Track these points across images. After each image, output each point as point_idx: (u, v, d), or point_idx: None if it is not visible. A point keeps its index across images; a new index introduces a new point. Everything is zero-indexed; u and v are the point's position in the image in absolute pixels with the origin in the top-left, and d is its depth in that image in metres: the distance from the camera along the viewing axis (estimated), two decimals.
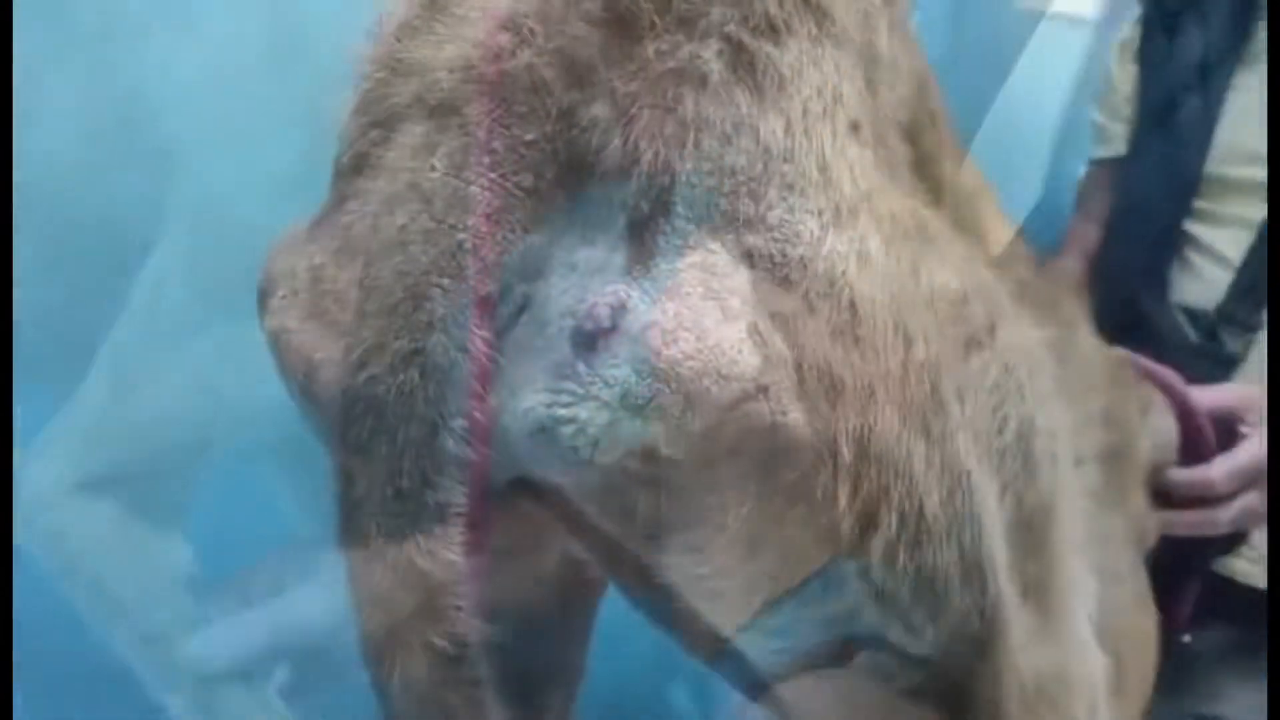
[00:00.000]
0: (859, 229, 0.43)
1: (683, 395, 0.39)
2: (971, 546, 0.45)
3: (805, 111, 0.43)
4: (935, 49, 0.66)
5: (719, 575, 0.43)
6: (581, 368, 0.40)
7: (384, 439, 0.41)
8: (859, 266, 0.42)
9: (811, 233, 0.42)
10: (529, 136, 0.42)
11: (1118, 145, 1.11)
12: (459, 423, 0.42)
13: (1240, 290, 1.02)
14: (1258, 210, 1.01)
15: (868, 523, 0.42)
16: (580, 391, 0.40)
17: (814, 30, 0.44)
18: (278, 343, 0.48)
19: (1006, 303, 0.50)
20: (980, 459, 0.46)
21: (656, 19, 0.42)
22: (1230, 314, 1.02)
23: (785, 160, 0.42)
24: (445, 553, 0.42)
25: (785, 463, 0.40)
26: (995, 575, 0.47)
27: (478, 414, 0.42)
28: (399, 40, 0.48)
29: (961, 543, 0.45)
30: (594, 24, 0.43)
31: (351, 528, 0.42)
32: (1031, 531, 0.51)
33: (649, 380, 0.39)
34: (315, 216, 0.50)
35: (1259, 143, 1.01)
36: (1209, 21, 1.03)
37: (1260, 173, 1.00)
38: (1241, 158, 1.02)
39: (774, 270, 0.41)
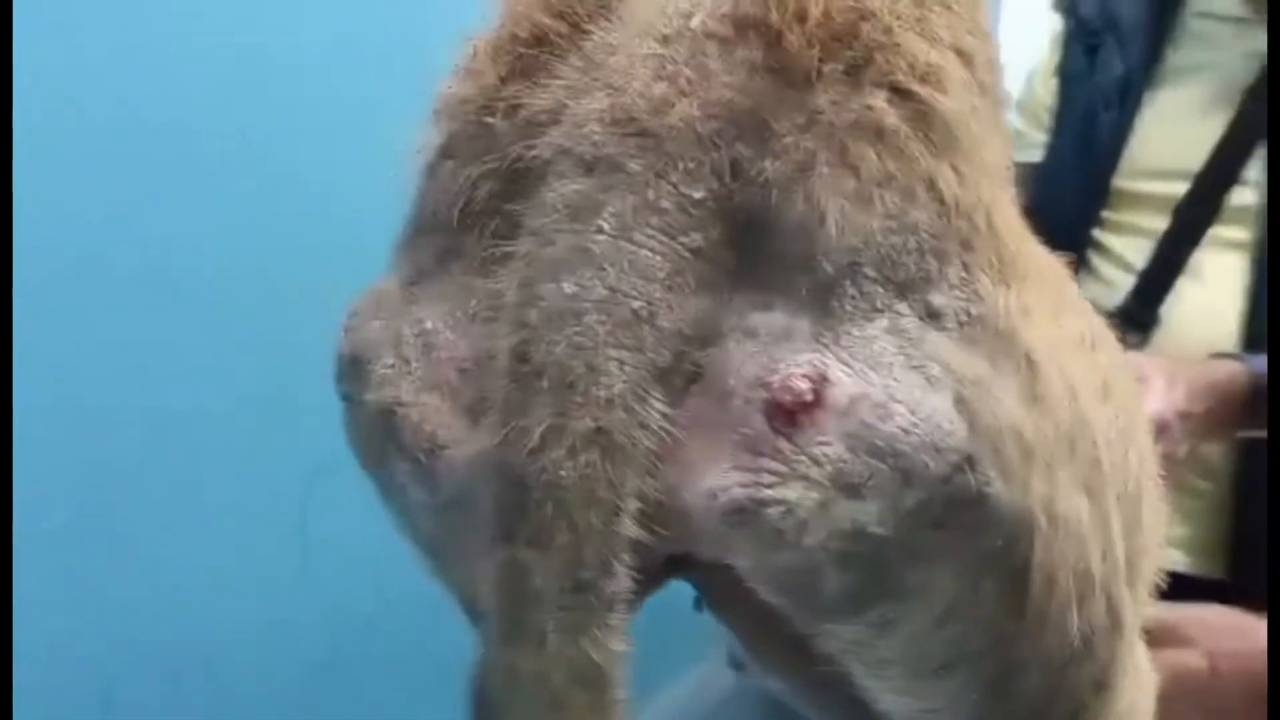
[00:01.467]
0: (1019, 280, 0.42)
1: (901, 472, 0.37)
2: (1115, 596, 0.45)
3: (969, 160, 0.41)
4: None
5: (901, 646, 0.41)
6: (784, 445, 0.38)
7: (564, 527, 0.37)
8: (1025, 320, 0.41)
9: (987, 289, 0.41)
10: (697, 194, 0.39)
11: (1034, 152, 1.15)
12: (634, 504, 0.38)
13: (1139, 293, 1.08)
14: (1160, 221, 1.07)
15: (1050, 589, 0.41)
16: (785, 470, 0.37)
17: (965, 76, 0.42)
18: (388, 418, 0.43)
19: (1111, 339, 0.50)
20: (1116, 509, 0.46)
21: (823, 67, 0.40)
22: (1130, 314, 1.08)
23: (960, 214, 0.40)
24: (615, 643, 0.39)
25: (988, 533, 0.39)
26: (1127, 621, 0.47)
27: (660, 495, 0.39)
28: (504, 83, 0.44)
29: (1109, 594, 0.45)
30: (756, 73, 0.40)
31: (524, 626, 0.38)
32: (1131, 569, 0.51)
33: (865, 457, 0.37)
34: (406, 274, 0.46)
35: (1165, 159, 1.07)
36: (1126, 44, 1.08)
37: (1164, 187, 1.06)
38: (1148, 173, 1.08)
39: (960, 330, 0.40)
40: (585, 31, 0.43)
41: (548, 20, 0.44)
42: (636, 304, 0.38)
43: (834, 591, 0.40)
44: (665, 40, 0.41)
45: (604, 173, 0.39)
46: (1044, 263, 0.48)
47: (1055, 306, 0.45)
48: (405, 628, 1.17)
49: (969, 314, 0.40)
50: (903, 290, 0.39)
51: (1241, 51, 1.03)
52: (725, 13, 0.41)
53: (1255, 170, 1.01)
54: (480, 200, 0.43)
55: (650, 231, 0.38)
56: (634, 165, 0.39)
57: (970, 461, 0.38)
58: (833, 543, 0.38)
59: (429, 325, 0.43)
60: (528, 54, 0.44)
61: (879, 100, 0.40)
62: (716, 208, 0.39)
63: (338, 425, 0.47)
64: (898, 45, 0.41)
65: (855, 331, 0.39)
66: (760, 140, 0.39)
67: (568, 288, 0.38)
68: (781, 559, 0.39)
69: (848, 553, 0.38)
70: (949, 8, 0.43)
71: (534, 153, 0.41)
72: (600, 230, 0.38)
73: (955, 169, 0.40)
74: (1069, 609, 0.42)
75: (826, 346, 0.38)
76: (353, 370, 0.45)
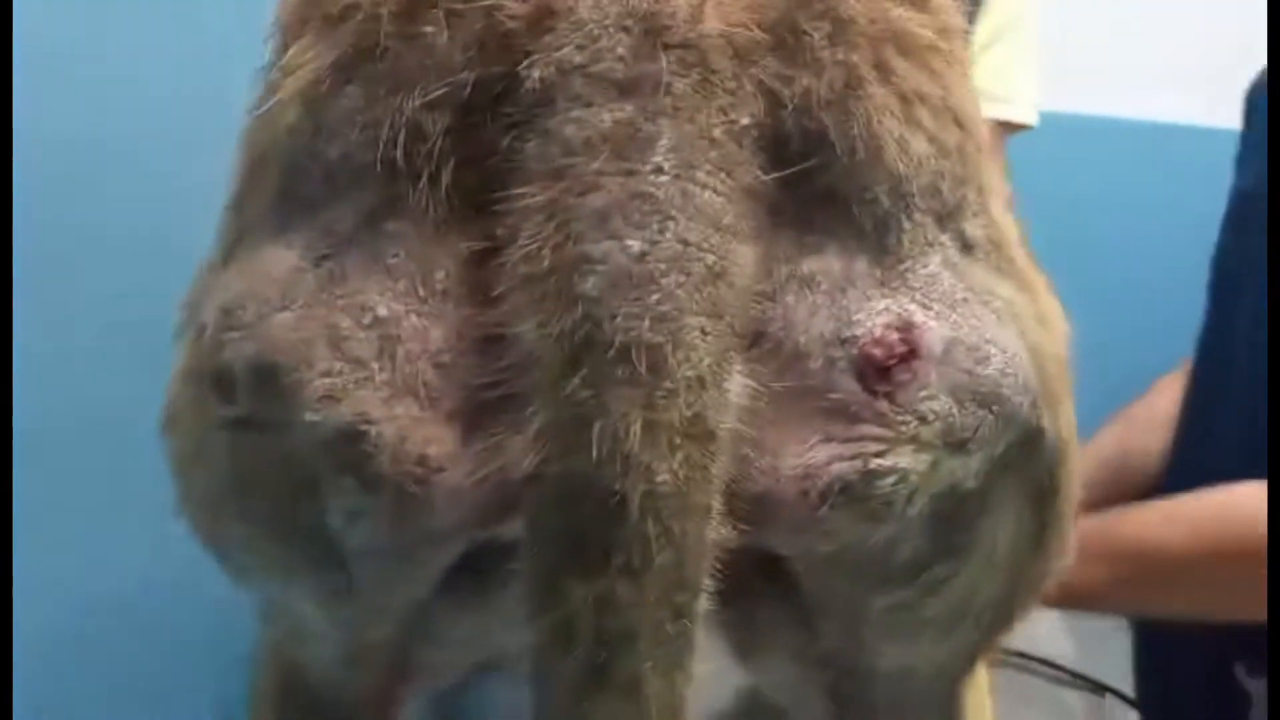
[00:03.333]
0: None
1: (1003, 418, 0.34)
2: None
3: (970, 76, 0.38)
4: None
5: (945, 604, 0.38)
6: (885, 406, 0.32)
7: (666, 544, 0.30)
8: (1028, 253, 0.40)
9: (999, 212, 0.38)
10: (744, 120, 0.32)
11: None
12: (716, 502, 0.32)
13: None
14: None
15: (1065, 512, 0.40)
16: (891, 435, 0.32)
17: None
18: (349, 444, 0.31)
19: None
20: None
21: None
22: None
23: (973, 134, 0.37)
24: (692, 669, 0.32)
25: (1040, 468, 0.37)
26: None
27: (753, 485, 0.32)
28: None
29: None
30: None
31: (611, 672, 0.30)
32: None
33: (973, 408, 0.33)
34: (310, 244, 0.34)
35: None
36: None
37: None
38: None
39: (988, 259, 0.37)
40: None
41: None
42: (710, 258, 0.31)
43: (903, 560, 0.36)
44: None
45: (647, 95, 0.31)
46: None
47: None
48: None
49: (991, 240, 0.37)
50: (942, 221, 0.36)
51: None
52: None
53: None
54: (428, 138, 0.32)
55: (709, 169, 0.31)
56: (680, 85, 0.31)
57: (1037, 397, 0.36)
58: (929, 506, 0.34)
59: (381, 311, 0.32)
60: None
61: (898, 6, 0.35)
62: (759, 135, 0.33)
63: None
64: None
65: (920, 270, 0.34)
66: (795, 52, 0.33)
67: (634, 244, 0.30)
68: (879, 535, 0.34)
69: (935, 514, 0.35)
70: None
71: (529, 72, 0.31)
72: (660, 170, 0.30)
73: (967, 84, 0.37)
74: (1070, 527, 0.42)
75: (898, 290, 0.34)
76: (262, 385, 0.32)
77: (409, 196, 0.33)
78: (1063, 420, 0.38)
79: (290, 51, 0.35)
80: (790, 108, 0.33)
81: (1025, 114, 0.91)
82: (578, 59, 0.31)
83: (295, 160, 0.35)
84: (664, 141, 0.30)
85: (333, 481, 0.32)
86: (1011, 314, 0.36)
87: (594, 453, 0.29)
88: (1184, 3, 1.46)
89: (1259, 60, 0.86)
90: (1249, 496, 0.67)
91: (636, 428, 0.29)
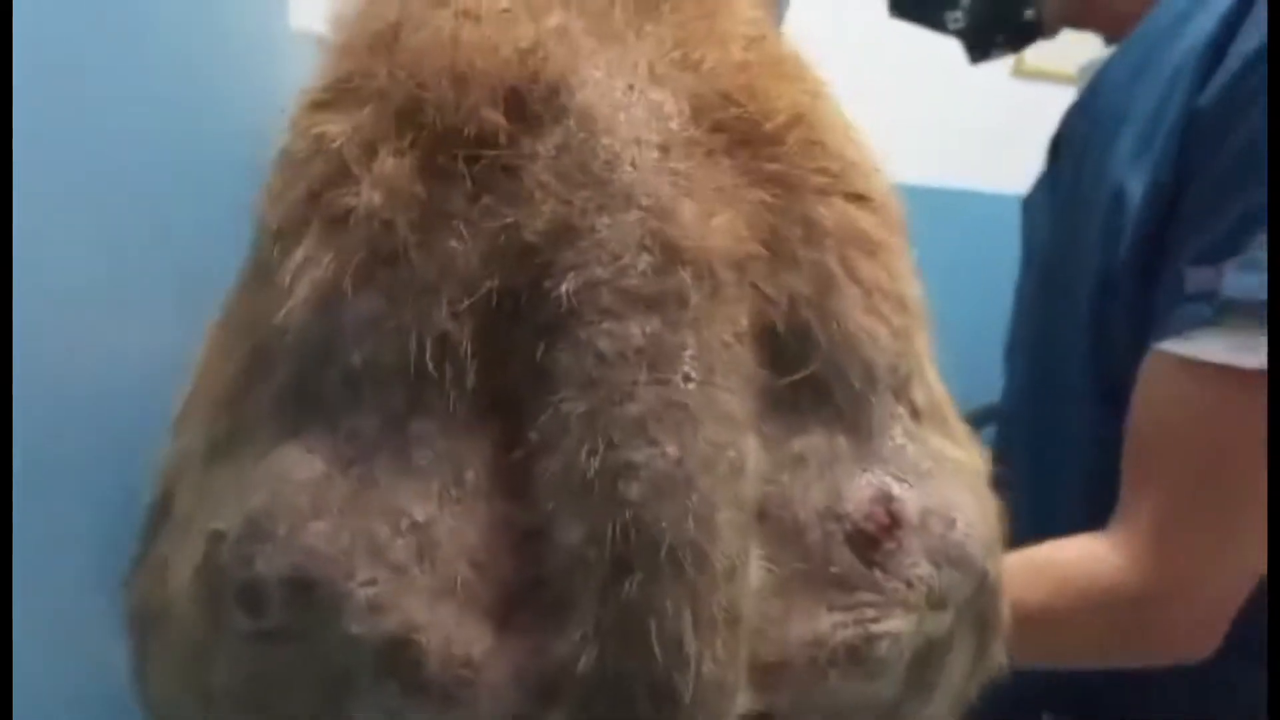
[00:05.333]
0: None
1: (971, 574, 0.38)
2: None
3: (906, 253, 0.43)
4: None
5: None
6: (878, 574, 0.36)
7: None
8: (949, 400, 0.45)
9: (934, 374, 0.43)
10: (745, 322, 0.36)
11: None
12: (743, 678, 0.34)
13: None
14: None
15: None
16: (884, 600, 0.36)
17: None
18: (396, 651, 0.32)
19: None
20: None
21: (806, 175, 0.39)
22: None
23: (915, 310, 0.42)
24: None
25: (984, 598, 0.42)
26: None
27: (765, 656, 0.35)
28: (440, 192, 0.35)
29: None
30: (758, 182, 0.37)
31: None
32: None
33: (948, 569, 0.37)
34: (337, 450, 0.34)
35: None
36: None
37: None
38: None
39: (934, 420, 0.42)
40: (538, 131, 0.36)
41: (490, 115, 0.36)
42: (731, 454, 0.34)
43: (884, 703, 0.39)
44: (665, 150, 0.36)
45: (671, 308, 0.34)
46: None
47: None
48: None
49: (932, 403, 0.42)
50: (898, 394, 0.40)
51: None
52: (708, 118, 0.37)
53: None
54: (456, 343, 0.34)
55: (724, 371, 0.34)
56: (696, 297, 0.34)
57: (988, 546, 0.41)
58: (911, 657, 0.38)
59: (418, 515, 0.33)
60: (468, 155, 0.35)
61: (851, 207, 0.40)
62: (754, 333, 0.36)
63: None
64: (839, 149, 0.41)
65: (889, 443, 0.39)
66: (779, 255, 0.37)
67: (672, 450, 0.32)
68: (871, 690, 0.37)
69: (914, 661, 0.39)
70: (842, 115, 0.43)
71: (556, 285, 0.34)
72: (687, 378, 0.33)
73: (909, 270, 0.42)
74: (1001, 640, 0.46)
75: (874, 464, 0.38)
76: (298, 598, 0.32)
77: (435, 398, 0.34)
78: (1000, 556, 0.43)
79: (297, 254, 0.36)
80: (780, 306, 0.37)
81: None
82: (603, 274, 0.34)
83: (308, 362, 0.35)
84: (689, 351, 0.33)
85: (373, 685, 0.33)
86: (962, 475, 0.41)
87: (652, 649, 0.31)
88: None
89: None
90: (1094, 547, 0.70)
91: (688, 622, 0.32)
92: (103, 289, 0.53)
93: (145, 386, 0.50)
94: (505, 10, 0.40)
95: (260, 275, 0.37)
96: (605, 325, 0.33)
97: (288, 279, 0.35)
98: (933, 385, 0.43)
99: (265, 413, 0.36)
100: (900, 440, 0.39)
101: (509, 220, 0.34)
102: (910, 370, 0.41)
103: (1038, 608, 0.65)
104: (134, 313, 0.57)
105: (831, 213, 0.39)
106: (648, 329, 0.33)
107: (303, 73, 0.41)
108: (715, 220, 0.35)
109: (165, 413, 0.50)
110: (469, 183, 0.35)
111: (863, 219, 0.39)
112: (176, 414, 0.41)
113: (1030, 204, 0.90)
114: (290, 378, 0.36)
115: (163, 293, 0.60)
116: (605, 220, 0.34)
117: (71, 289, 0.49)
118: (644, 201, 0.34)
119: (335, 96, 0.38)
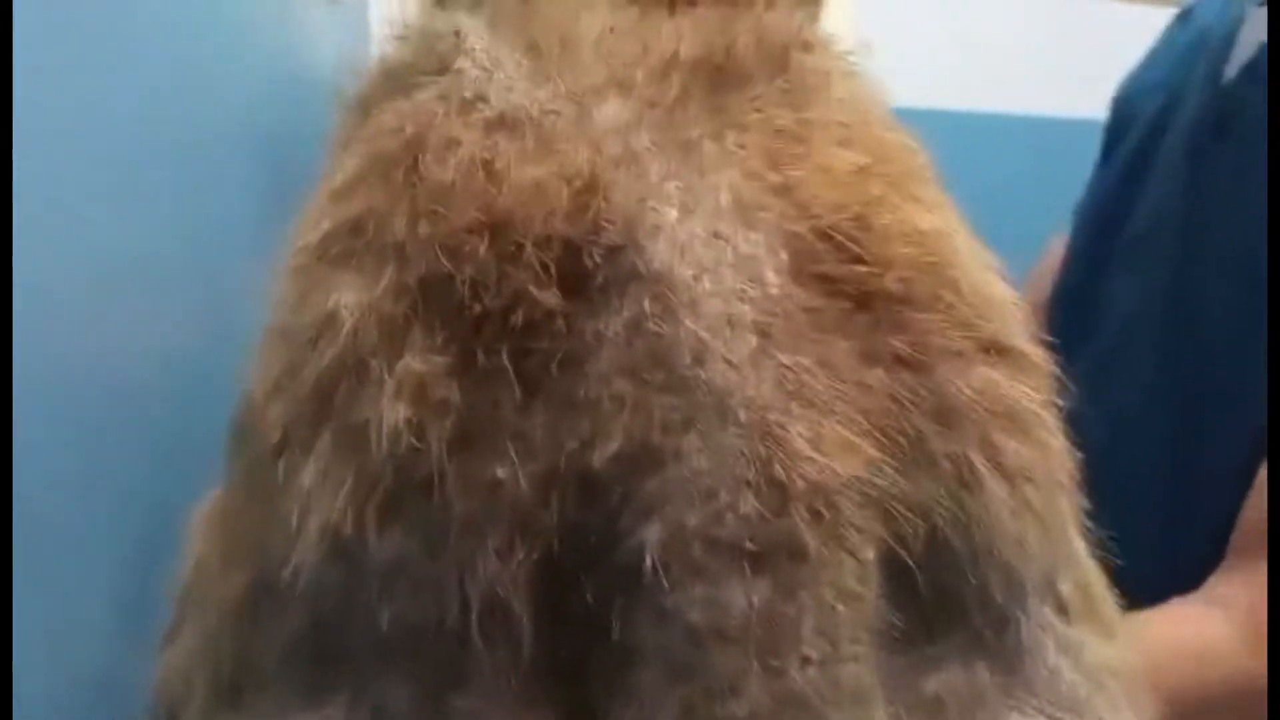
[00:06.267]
0: None
1: None
2: None
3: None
4: None
5: None
6: None
7: None
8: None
9: (1082, 547, 0.36)
10: (870, 556, 0.28)
11: None
12: None
13: None
14: None
15: None
16: None
17: None
18: None
19: None
20: None
21: (935, 338, 0.31)
22: None
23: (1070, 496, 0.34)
24: None
25: None
26: None
27: None
28: (488, 403, 0.27)
29: None
30: (874, 359, 0.29)
31: None
32: None
33: None
34: None
35: None
36: None
37: None
38: None
39: (1083, 609, 0.34)
40: (601, 306, 0.28)
41: (540, 296, 0.28)
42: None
43: None
44: (765, 334, 0.28)
45: (784, 566, 0.26)
46: None
47: None
48: None
49: (1079, 583, 0.35)
50: (1043, 594, 0.33)
51: None
52: (812, 270, 0.30)
53: None
54: (506, 601, 0.27)
55: (853, 636, 0.27)
56: (813, 543, 0.27)
57: None
58: None
59: None
60: (514, 348, 0.28)
61: (994, 372, 0.32)
62: (880, 562, 0.29)
63: None
64: (972, 288, 0.33)
65: (1042, 669, 0.31)
66: (909, 458, 0.29)
67: None
68: None
69: None
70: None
71: (632, 531, 0.26)
72: (807, 661, 0.26)
73: (1063, 450, 0.34)
74: None
75: (1025, 701, 0.31)
76: None
77: (482, 668, 0.27)
78: None
79: (304, 475, 0.28)
80: (912, 524, 0.29)
81: None
82: (693, 520, 0.26)
83: (325, 615, 0.28)
84: (808, 624, 0.26)
85: None
86: (1118, 684, 0.33)
87: None
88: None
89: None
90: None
91: None
92: (102, 288, 0.47)
93: (148, 385, 0.46)
94: (551, 112, 0.32)
95: (259, 486, 0.30)
96: (698, 591, 0.26)
97: (295, 509, 0.28)
98: (1080, 562, 0.35)
99: (276, 661, 0.29)
100: (1054, 661, 0.32)
101: (570, 442, 0.27)
102: (1056, 558, 0.33)
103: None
104: (135, 312, 0.51)
105: (971, 386, 0.31)
106: (755, 598, 0.26)
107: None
108: (833, 433, 0.28)
109: (165, 412, 0.47)
110: (517, 388, 0.28)
111: (1007, 385, 0.32)
112: (173, 615, 0.35)
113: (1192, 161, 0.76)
114: (304, 628, 0.29)
115: (163, 291, 0.53)
116: (694, 442, 0.27)
117: (71, 285, 0.43)
118: (743, 416, 0.27)
119: (344, 249, 0.31)
